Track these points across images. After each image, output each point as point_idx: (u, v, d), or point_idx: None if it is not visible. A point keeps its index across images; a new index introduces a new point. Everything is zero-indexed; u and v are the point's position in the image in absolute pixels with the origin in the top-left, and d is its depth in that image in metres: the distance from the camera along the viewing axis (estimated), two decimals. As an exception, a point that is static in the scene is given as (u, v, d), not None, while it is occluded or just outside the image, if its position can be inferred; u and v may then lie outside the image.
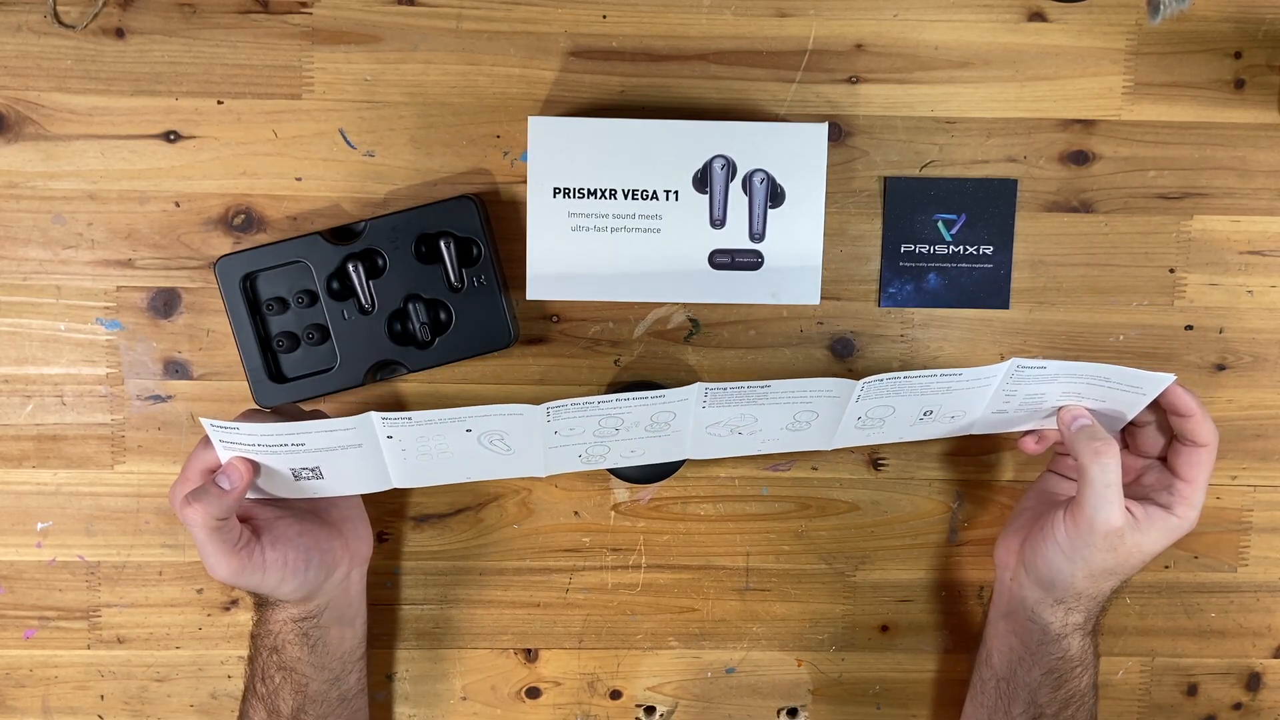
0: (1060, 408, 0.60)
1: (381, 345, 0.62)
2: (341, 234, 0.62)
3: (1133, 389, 0.58)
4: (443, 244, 0.61)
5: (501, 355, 0.65)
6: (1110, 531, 0.56)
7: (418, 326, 0.62)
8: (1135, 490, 0.60)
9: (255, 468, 0.55)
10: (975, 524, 0.68)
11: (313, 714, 0.60)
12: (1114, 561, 0.57)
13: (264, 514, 0.58)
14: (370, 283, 0.61)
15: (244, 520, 0.57)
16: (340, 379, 0.62)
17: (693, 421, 0.57)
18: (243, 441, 0.54)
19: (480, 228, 0.61)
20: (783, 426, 0.59)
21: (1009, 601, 0.62)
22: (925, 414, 0.59)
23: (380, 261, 0.62)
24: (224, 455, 0.55)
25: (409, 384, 0.65)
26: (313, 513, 0.60)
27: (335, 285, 0.62)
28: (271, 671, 0.59)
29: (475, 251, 0.62)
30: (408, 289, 0.62)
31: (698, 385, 0.55)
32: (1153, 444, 0.61)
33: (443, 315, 0.62)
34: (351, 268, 0.61)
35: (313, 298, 0.62)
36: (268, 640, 0.59)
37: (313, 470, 0.56)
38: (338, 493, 0.59)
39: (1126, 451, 0.62)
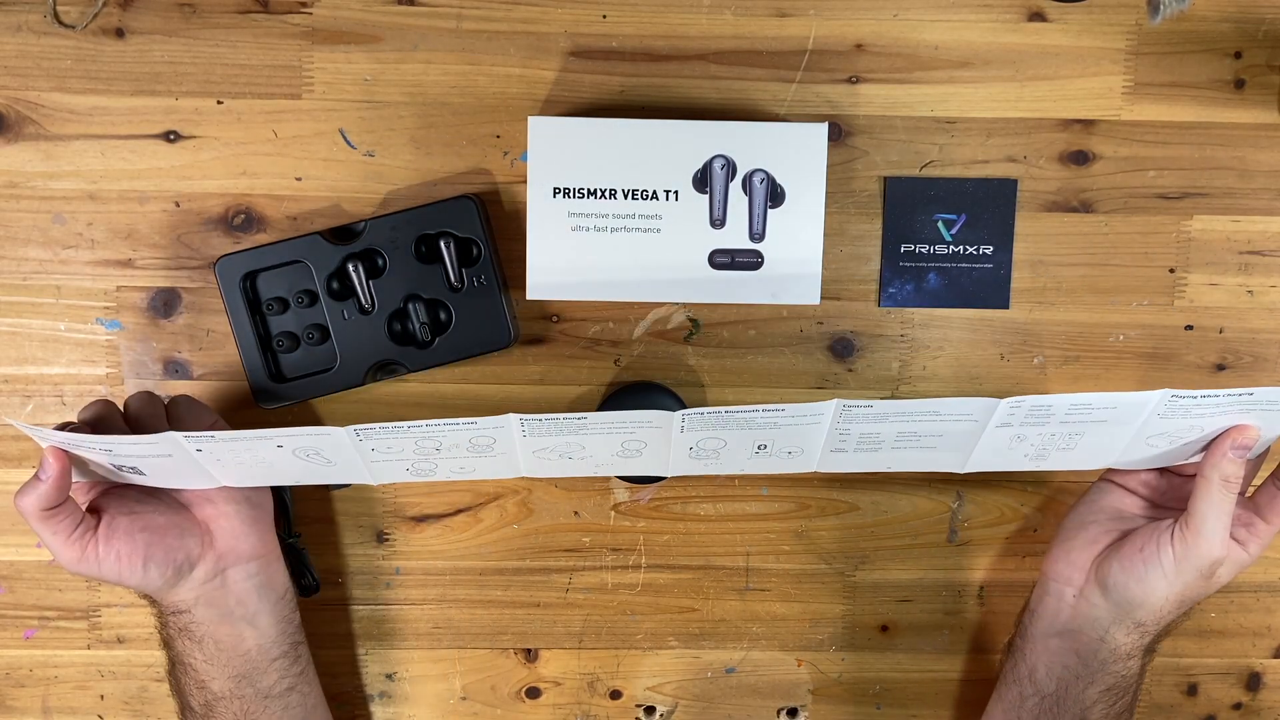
0: (1236, 426, 0.57)
1: (381, 345, 0.62)
2: (341, 234, 0.62)
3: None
4: (443, 244, 0.61)
5: (501, 355, 0.65)
6: (1215, 560, 0.56)
7: (418, 326, 0.62)
8: None
9: (69, 458, 0.55)
10: (975, 524, 0.68)
11: (226, 711, 0.59)
12: (1202, 590, 0.57)
13: (113, 506, 0.57)
14: (370, 283, 0.62)
15: (94, 510, 0.57)
16: (340, 379, 0.62)
17: (518, 445, 0.56)
18: (50, 437, 0.54)
19: (480, 228, 0.61)
20: (613, 454, 0.58)
21: (1071, 619, 0.60)
22: (759, 448, 0.58)
23: (380, 261, 0.62)
24: (43, 445, 0.55)
25: (409, 384, 0.65)
26: (173, 508, 0.59)
27: (335, 285, 0.62)
28: (174, 666, 0.60)
29: (475, 251, 0.62)
30: (408, 289, 0.62)
31: (512, 416, 0.53)
32: (1244, 481, 0.59)
33: (443, 315, 0.62)
34: (351, 268, 0.61)
35: (313, 298, 0.62)
36: (161, 634, 0.60)
37: (133, 468, 0.57)
38: (164, 485, 0.59)
39: None
